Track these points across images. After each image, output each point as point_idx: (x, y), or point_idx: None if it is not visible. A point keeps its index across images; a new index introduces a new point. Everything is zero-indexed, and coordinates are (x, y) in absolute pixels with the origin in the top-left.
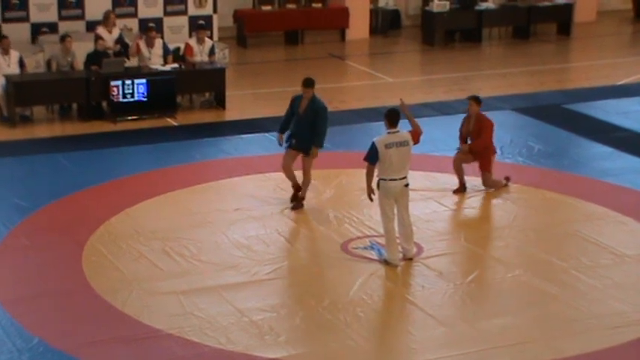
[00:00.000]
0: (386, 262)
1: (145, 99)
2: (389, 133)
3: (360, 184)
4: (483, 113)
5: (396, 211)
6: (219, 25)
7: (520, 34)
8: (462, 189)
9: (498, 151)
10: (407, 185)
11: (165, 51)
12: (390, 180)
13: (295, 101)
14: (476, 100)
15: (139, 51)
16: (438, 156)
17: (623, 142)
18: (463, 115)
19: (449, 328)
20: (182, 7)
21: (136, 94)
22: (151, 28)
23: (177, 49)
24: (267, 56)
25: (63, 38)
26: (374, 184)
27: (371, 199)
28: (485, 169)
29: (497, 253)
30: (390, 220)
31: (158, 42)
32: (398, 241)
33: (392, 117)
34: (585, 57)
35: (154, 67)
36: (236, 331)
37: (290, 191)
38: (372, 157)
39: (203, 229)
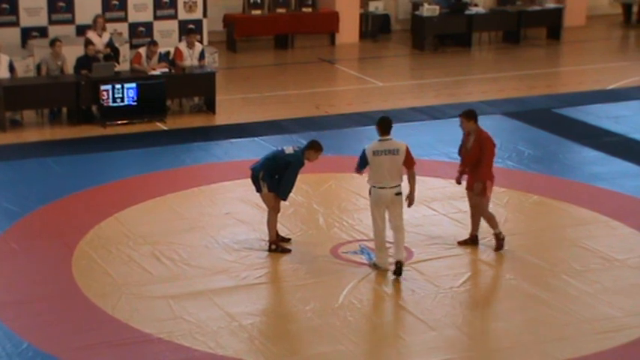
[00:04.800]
0: (375, 266)
1: (134, 103)
2: (380, 140)
3: (349, 187)
4: (485, 130)
5: (388, 217)
6: (209, 30)
7: (510, 38)
8: (470, 240)
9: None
10: (398, 194)
11: (160, 60)
12: (380, 188)
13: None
14: (465, 115)
15: (138, 61)
16: (427, 160)
17: (613, 147)
18: (453, 120)
19: (439, 333)
20: (172, 11)
21: (125, 99)
22: (155, 43)
23: (167, 53)
24: (257, 60)
25: (53, 42)
26: (365, 192)
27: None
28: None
29: (488, 257)
30: (381, 229)
31: (156, 55)
32: (389, 246)
33: (382, 125)
34: (575, 61)
35: (141, 69)
36: (226, 335)
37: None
38: (360, 164)
39: (193, 233)
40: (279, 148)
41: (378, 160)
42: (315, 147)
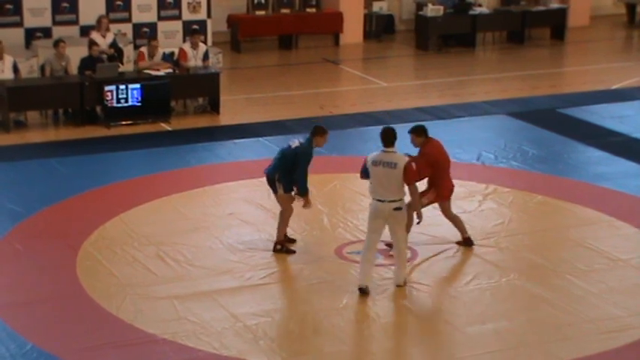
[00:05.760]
0: (359, 289)
1: (139, 104)
2: (382, 151)
3: (354, 188)
4: (431, 146)
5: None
6: (213, 30)
7: (514, 38)
8: (464, 243)
9: (490, 159)
10: (398, 209)
11: (164, 60)
12: (377, 200)
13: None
14: (414, 132)
15: (142, 59)
16: None
17: (617, 147)
18: (457, 120)
19: (442, 333)
20: (176, 12)
21: (130, 99)
22: (154, 38)
23: (172, 54)
24: (261, 61)
25: (56, 43)
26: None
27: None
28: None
29: (492, 257)
30: (370, 243)
31: (159, 52)
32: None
33: (384, 136)
34: (579, 61)
35: (147, 71)
36: (230, 336)
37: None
38: (363, 171)
39: (197, 233)
40: (285, 145)
41: (375, 171)
42: (319, 132)
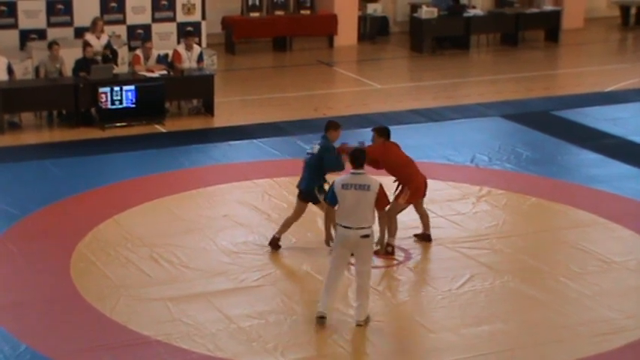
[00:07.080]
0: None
1: (133, 106)
2: (352, 173)
3: None
4: (387, 143)
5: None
6: (207, 32)
7: (508, 40)
8: (422, 237)
9: (484, 161)
10: (365, 237)
11: (159, 62)
12: (345, 227)
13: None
14: (375, 130)
15: (138, 62)
16: (426, 162)
17: (611, 149)
18: (451, 122)
19: (437, 335)
20: (170, 13)
21: (124, 101)
22: (148, 40)
23: (166, 55)
24: (255, 63)
25: (50, 45)
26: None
27: (327, 245)
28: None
29: (486, 259)
30: (335, 271)
31: (154, 54)
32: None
33: (355, 157)
34: (573, 64)
35: (142, 73)
36: (224, 337)
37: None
38: (331, 196)
39: (191, 235)
40: (308, 155)
41: (345, 195)
42: (332, 127)
